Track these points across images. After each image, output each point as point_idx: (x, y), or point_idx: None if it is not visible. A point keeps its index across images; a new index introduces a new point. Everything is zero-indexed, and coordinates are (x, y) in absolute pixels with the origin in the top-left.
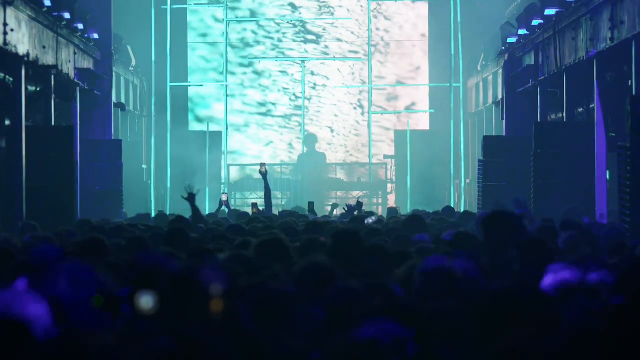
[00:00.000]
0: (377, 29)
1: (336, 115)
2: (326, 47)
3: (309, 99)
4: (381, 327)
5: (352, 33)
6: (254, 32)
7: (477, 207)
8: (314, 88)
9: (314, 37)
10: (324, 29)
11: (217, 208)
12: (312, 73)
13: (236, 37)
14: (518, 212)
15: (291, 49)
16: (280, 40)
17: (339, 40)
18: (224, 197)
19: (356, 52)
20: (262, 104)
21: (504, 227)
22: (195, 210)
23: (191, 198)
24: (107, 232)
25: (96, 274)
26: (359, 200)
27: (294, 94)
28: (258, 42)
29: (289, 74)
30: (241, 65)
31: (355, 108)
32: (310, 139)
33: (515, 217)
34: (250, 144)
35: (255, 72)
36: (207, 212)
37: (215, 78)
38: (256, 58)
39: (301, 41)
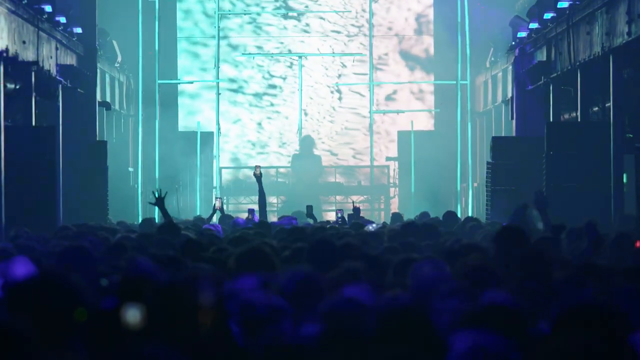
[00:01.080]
0: (363, 10)
1: (311, 98)
2: (307, 25)
3: (284, 78)
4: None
5: (336, 12)
6: (231, 3)
7: (485, 212)
8: (290, 67)
9: (295, 14)
10: (306, 6)
11: (210, 214)
12: (290, 51)
13: (212, 7)
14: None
15: (269, 25)
16: (258, 14)
17: (322, 18)
18: (218, 203)
19: (339, 32)
20: (233, 80)
21: (517, 243)
22: (166, 215)
23: (159, 202)
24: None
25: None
26: (355, 205)
27: (269, 72)
28: (235, 14)
29: (265, 50)
30: (214, 37)
31: (332, 92)
32: (307, 141)
33: (523, 232)
34: (191, 89)
35: (230, 45)
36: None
37: (187, 48)
38: (250, 54)
39: (281, 16)
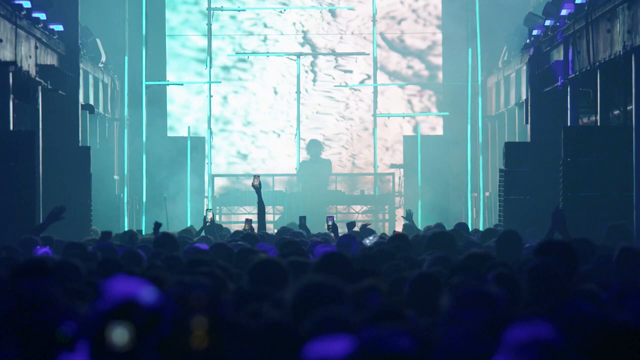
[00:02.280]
0: None
1: (283, 76)
2: None
3: (255, 53)
4: None
5: (339, 7)
6: None
7: (498, 223)
8: (264, 41)
9: None
10: None
11: (200, 227)
12: (265, 25)
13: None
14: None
15: None
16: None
17: None
18: (210, 215)
19: (318, 8)
20: (202, 50)
21: (558, 257)
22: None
23: (156, 227)
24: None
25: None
26: (354, 221)
27: (240, 44)
28: (228, 10)
29: (239, 20)
30: (185, 2)
31: (306, 72)
32: (314, 146)
33: (569, 246)
34: (179, 90)
35: (202, 12)
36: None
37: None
38: (245, 54)
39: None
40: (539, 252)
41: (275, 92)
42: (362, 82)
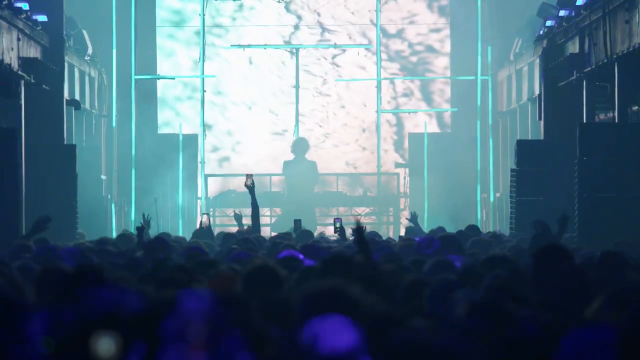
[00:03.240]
0: None
1: (265, 48)
2: None
3: (234, 19)
4: None
5: None
6: None
7: (510, 226)
8: (239, 9)
9: None
10: None
11: (196, 230)
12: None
13: None
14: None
15: None
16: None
17: None
18: (205, 219)
19: None
20: (176, 12)
21: (559, 263)
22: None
23: (140, 231)
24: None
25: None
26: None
27: (217, 9)
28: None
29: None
30: None
31: (291, 54)
32: (300, 145)
33: (569, 252)
34: (159, 57)
35: None
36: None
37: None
38: (241, 47)
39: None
40: (538, 258)
41: (251, 62)
42: (334, 57)
